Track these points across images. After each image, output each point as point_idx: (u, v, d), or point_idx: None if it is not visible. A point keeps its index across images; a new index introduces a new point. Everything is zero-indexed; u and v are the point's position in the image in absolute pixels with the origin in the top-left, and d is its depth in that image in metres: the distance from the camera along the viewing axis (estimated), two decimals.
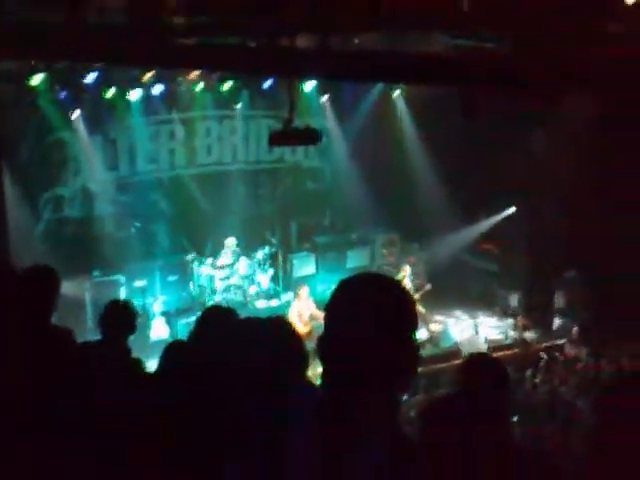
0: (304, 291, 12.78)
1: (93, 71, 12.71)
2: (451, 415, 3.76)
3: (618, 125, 11.36)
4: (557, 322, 14.25)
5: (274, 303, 14.73)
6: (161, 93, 14.07)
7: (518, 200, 14.95)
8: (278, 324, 3.41)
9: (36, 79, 12.28)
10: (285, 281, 15.46)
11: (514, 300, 15.20)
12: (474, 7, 7.65)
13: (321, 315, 11.78)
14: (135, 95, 13.75)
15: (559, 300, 14.41)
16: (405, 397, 8.33)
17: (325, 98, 15.79)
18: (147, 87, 13.79)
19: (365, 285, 2.12)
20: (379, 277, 2.17)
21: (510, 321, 14.78)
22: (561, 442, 9.09)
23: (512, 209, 15.15)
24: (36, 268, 4.73)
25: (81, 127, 13.52)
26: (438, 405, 4.02)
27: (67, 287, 7.52)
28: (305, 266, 15.71)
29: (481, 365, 4.29)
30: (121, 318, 5.32)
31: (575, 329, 13.55)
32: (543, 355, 12.25)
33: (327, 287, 14.98)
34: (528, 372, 11.37)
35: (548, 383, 11.05)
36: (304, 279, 15.01)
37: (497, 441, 3.96)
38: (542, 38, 7.65)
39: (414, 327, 2.09)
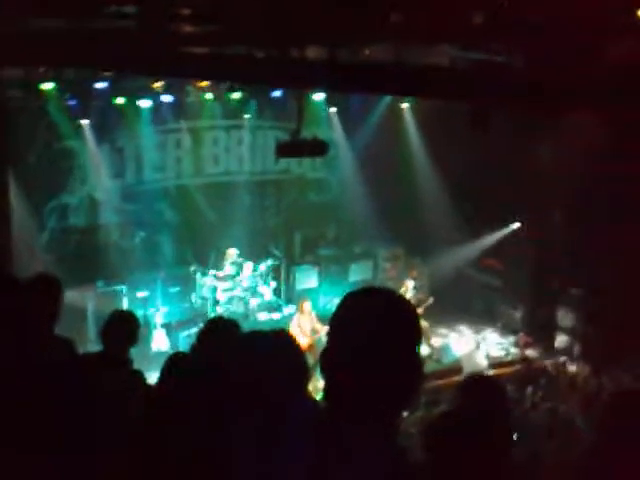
0: (307, 305, 12.75)
1: (103, 79, 12.77)
2: (451, 432, 3.75)
3: (627, 136, 11.31)
4: (559, 339, 14.19)
5: (276, 316, 14.71)
6: (170, 102, 14.12)
7: (523, 214, 14.93)
8: (280, 337, 3.41)
9: (46, 86, 12.33)
10: (287, 294, 15.45)
11: (517, 316, 15.15)
12: (486, 21, 7.63)
13: (323, 328, 11.81)
14: (144, 103, 13.80)
15: (562, 317, 14.34)
16: (405, 413, 8.28)
17: (333, 109, 15.79)
18: (156, 96, 13.84)
19: (370, 299, 2.11)
20: (384, 291, 2.15)
21: (512, 337, 14.74)
22: (560, 461, 9.02)
23: (516, 224, 15.12)
24: (40, 277, 4.71)
25: (89, 135, 13.55)
26: (438, 422, 4.02)
27: (70, 297, 7.50)
28: (308, 279, 15.70)
29: (479, 384, 4.30)
30: (123, 329, 5.26)
31: (577, 346, 13.51)
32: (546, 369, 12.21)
33: (329, 300, 15.00)
34: (529, 390, 11.31)
35: (549, 401, 10.99)
36: (306, 292, 15.01)
37: (496, 459, 3.94)
38: (554, 51, 7.62)
39: (419, 342, 2.09)
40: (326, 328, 2.16)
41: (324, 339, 2.11)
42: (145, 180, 14.83)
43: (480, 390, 4.18)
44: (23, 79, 12.02)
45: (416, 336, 2.08)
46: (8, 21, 7.62)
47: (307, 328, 12.37)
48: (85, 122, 13.41)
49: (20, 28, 7.92)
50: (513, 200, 14.47)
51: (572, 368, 12.91)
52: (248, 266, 14.57)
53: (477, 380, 4.49)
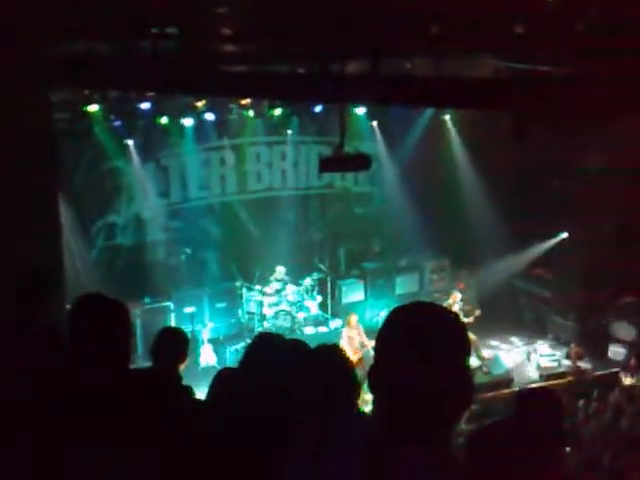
0: (354, 318, 12.71)
1: (147, 100, 12.97)
2: (500, 443, 3.67)
3: None
4: (612, 350, 13.90)
5: (322, 330, 14.68)
6: (212, 120, 14.28)
7: (572, 224, 14.68)
8: (331, 351, 3.39)
9: (91, 108, 12.61)
10: (333, 308, 15.38)
11: (567, 327, 14.90)
12: (528, 30, 7.56)
13: (371, 343, 11.75)
14: (187, 122, 13.96)
15: (614, 327, 14.07)
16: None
17: (375, 123, 15.76)
18: (199, 114, 14.01)
19: (418, 313, 2.08)
20: (431, 305, 2.13)
21: (564, 349, 14.49)
22: (617, 473, 8.84)
23: (565, 234, 14.89)
24: (90, 296, 4.74)
25: (134, 155, 13.79)
26: (486, 432, 3.93)
27: None
28: (353, 292, 15.65)
29: (535, 397, 4.22)
30: (173, 345, 5.29)
31: (631, 357, 13.22)
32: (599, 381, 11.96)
33: (375, 314, 14.93)
34: (581, 401, 11.10)
35: (602, 413, 10.76)
36: (352, 305, 14.97)
37: (548, 473, 3.85)
38: (597, 61, 7.52)
39: (467, 355, 2.06)
40: (373, 342, 2.14)
41: (372, 353, 2.09)
42: (190, 198, 15.00)
43: (535, 402, 4.12)
44: (69, 102, 12.27)
45: (464, 349, 2.05)
46: (55, 45, 7.77)
47: (356, 342, 12.33)
48: (130, 142, 13.66)
49: (66, 52, 8.07)
50: (561, 209, 14.26)
51: (626, 379, 12.62)
52: (294, 281, 14.62)
53: (532, 392, 4.41)
